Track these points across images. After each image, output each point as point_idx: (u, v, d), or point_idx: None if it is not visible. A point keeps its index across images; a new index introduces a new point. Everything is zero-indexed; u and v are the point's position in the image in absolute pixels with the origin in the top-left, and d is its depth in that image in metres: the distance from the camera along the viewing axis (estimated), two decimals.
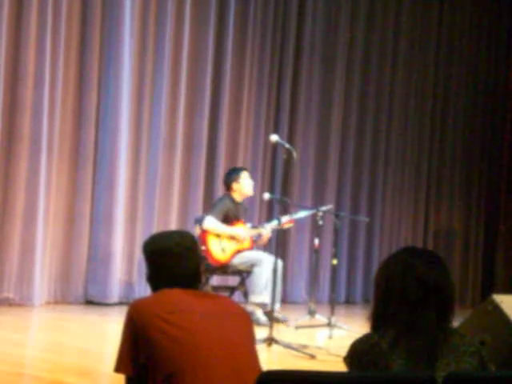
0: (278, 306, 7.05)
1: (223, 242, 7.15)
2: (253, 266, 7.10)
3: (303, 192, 9.34)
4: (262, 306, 7.03)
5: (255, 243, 7.39)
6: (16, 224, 7.24)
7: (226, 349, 2.68)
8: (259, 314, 6.97)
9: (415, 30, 10.33)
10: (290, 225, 7.40)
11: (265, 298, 6.93)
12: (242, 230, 7.22)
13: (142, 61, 7.99)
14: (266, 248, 7.94)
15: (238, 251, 7.18)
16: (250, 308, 6.87)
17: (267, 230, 7.28)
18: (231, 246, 7.16)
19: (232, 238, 7.17)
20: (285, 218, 7.09)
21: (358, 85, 9.84)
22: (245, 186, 7.32)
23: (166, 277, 2.81)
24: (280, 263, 6.52)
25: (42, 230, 7.35)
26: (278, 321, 6.92)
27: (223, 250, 7.13)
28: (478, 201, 11.02)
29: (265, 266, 7.01)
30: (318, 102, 9.45)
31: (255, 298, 7.04)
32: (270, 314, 6.10)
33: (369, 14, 9.87)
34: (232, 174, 7.37)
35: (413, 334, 2.31)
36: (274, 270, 6.05)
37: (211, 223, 7.09)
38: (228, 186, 7.36)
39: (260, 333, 5.57)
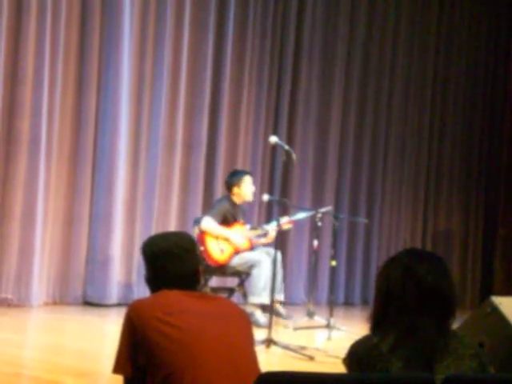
0: (281, 296, 7.10)
1: (222, 242, 7.14)
2: (251, 267, 7.09)
3: (302, 193, 9.33)
4: (261, 307, 7.03)
5: (255, 243, 7.38)
6: (15, 225, 7.22)
7: (224, 350, 2.67)
8: (258, 315, 6.97)
9: (414, 32, 10.33)
10: (289, 226, 7.39)
11: (264, 298, 6.93)
12: (237, 236, 7.18)
13: (141, 63, 7.97)
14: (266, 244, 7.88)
15: (237, 252, 7.17)
16: (249, 309, 6.87)
17: (272, 231, 7.21)
18: (230, 247, 7.16)
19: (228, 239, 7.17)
20: (284, 220, 7.08)
21: (357, 87, 9.83)
22: (245, 191, 7.30)
23: (165, 278, 2.81)
24: (279, 255, 6.51)
25: (40, 232, 7.33)
26: (278, 314, 6.94)
27: (222, 250, 7.12)
28: (477, 203, 11.02)
29: (264, 267, 7.00)
30: (316, 103, 9.44)
31: (254, 299, 7.03)
32: (271, 306, 6.04)
33: (368, 17, 9.86)
34: (234, 178, 7.34)
35: (412, 338, 2.30)
36: (274, 261, 6.03)
37: (208, 224, 7.09)
38: (229, 188, 7.35)
39: (259, 334, 5.57)
